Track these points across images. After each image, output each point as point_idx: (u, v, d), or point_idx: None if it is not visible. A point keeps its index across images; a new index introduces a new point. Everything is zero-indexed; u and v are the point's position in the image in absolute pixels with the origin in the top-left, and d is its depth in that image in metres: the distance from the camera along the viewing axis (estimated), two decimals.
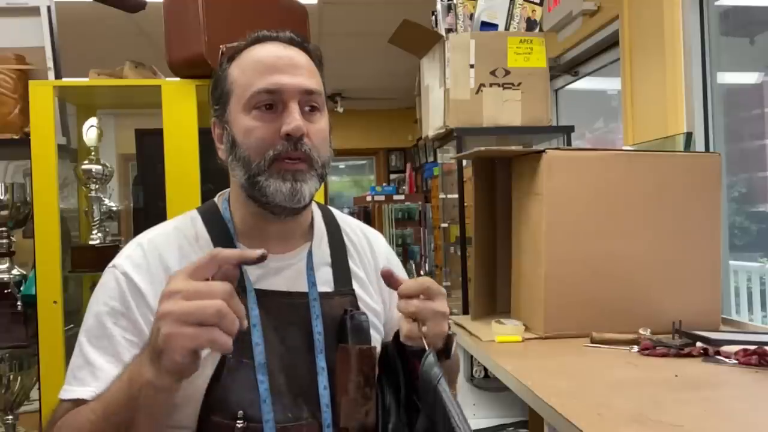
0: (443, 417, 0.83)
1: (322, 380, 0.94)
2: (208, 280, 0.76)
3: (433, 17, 2.46)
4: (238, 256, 0.79)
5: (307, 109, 0.96)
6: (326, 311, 0.99)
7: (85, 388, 0.89)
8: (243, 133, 0.95)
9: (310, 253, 1.02)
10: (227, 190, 1.05)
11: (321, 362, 0.95)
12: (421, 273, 5.09)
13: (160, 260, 0.96)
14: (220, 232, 1.00)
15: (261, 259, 0.79)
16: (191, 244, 0.98)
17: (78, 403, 0.89)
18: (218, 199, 1.06)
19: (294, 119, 0.93)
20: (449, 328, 0.98)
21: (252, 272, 0.98)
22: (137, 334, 0.91)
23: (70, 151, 2.18)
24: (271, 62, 0.96)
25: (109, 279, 0.95)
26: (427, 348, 0.89)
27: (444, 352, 0.94)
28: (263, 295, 0.96)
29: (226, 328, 0.73)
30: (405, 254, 6.74)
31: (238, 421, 0.88)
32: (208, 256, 0.78)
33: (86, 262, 2.00)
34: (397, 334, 0.98)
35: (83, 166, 2.06)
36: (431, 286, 0.91)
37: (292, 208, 0.95)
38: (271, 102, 0.94)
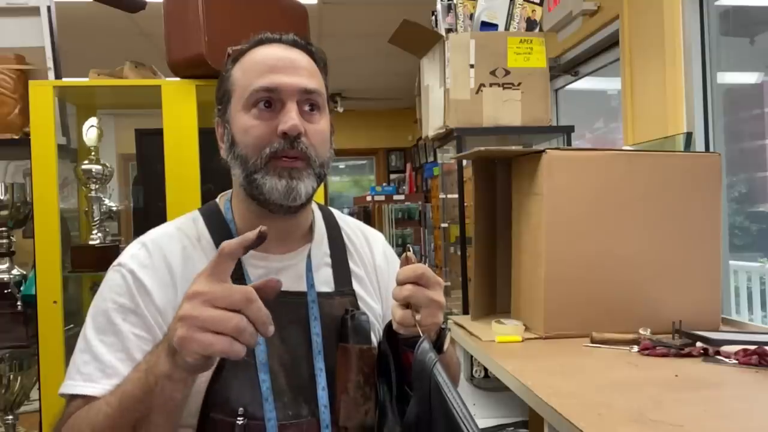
0: (440, 402, 0.82)
1: (321, 381, 0.94)
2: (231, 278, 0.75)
3: (433, 17, 2.46)
4: (238, 244, 0.75)
5: (306, 108, 0.97)
6: (327, 311, 0.99)
7: (94, 384, 0.89)
8: (241, 132, 0.96)
9: (309, 255, 1.02)
10: (229, 191, 1.05)
11: (319, 363, 0.95)
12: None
13: (164, 260, 0.96)
14: (221, 232, 1.00)
15: (262, 237, 0.75)
16: (194, 245, 0.99)
17: (89, 399, 0.88)
18: (220, 199, 1.07)
19: (291, 118, 0.93)
20: (444, 322, 0.98)
21: (253, 272, 0.98)
22: (146, 330, 0.92)
23: (70, 151, 2.18)
24: (271, 63, 0.97)
25: (115, 276, 0.95)
26: (421, 335, 0.88)
27: (436, 347, 0.93)
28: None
29: (244, 341, 0.72)
30: None
31: (238, 418, 0.88)
32: (217, 254, 0.75)
33: (86, 262, 2.00)
34: (388, 326, 0.98)
35: (83, 166, 2.06)
36: (426, 272, 0.91)
37: (288, 206, 0.95)
38: (270, 100, 0.95)
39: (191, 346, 0.72)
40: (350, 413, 0.94)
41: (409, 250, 0.93)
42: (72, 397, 0.90)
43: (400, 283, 0.91)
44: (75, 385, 0.90)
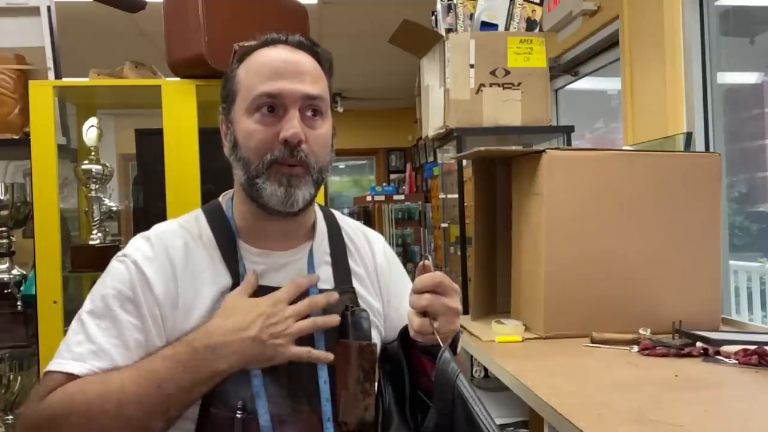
0: (464, 412, 0.84)
1: (323, 375, 0.96)
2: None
3: (433, 17, 2.46)
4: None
5: (309, 113, 0.98)
6: (327, 308, 0.99)
7: (82, 364, 0.89)
8: (244, 135, 0.97)
9: (311, 252, 1.03)
10: (232, 189, 1.06)
11: None
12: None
13: (166, 254, 0.97)
14: (222, 230, 1.02)
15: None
16: (195, 242, 1.00)
17: (71, 378, 0.88)
18: (222, 198, 1.08)
19: (292, 126, 0.94)
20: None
21: (254, 268, 0.99)
22: (140, 320, 0.93)
23: (70, 151, 2.17)
24: (275, 66, 0.97)
25: (118, 266, 0.97)
26: (441, 344, 0.90)
27: (450, 349, 0.95)
28: (266, 291, 0.97)
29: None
30: (405, 254, 6.74)
31: (237, 413, 0.90)
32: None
33: (86, 262, 2.00)
34: (403, 331, 0.99)
35: (83, 166, 2.06)
36: (444, 281, 0.92)
37: (287, 211, 0.96)
38: (273, 105, 0.96)
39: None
40: (349, 408, 0.95)
41: (428, 259, 0.94)
42: (55, 374, 0.90)
43: (418, 291, 0.92)
44: (64, 363, 0.90)
